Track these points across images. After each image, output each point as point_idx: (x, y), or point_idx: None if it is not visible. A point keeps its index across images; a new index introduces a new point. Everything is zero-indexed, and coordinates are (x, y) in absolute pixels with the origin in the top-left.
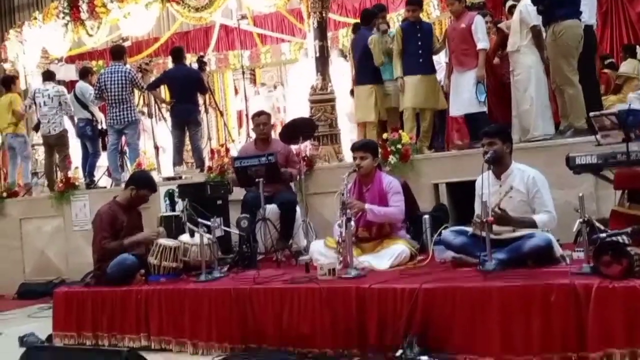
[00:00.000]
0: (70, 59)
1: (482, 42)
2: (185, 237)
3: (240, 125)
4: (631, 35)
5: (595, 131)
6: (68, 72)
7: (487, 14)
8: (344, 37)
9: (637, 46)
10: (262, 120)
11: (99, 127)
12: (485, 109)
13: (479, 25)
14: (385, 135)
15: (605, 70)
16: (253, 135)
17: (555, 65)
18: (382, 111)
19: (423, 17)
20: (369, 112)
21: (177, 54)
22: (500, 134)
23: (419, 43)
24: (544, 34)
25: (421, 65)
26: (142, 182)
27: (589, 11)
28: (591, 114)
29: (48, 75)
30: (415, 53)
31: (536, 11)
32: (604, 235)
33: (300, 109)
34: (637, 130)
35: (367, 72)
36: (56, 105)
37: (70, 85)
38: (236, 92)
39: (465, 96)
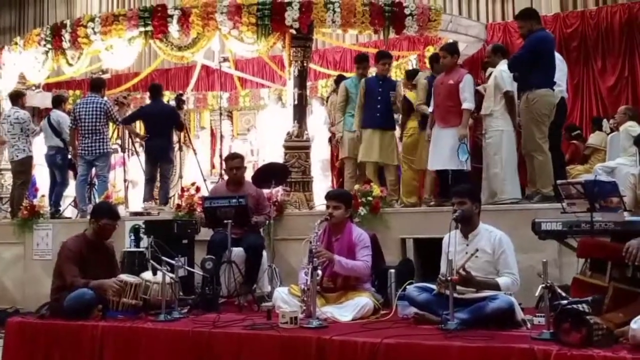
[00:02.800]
0: (47, 87)
1: (468, 102)
2: (147, 275)
3: (212, 167)
4: (600, 108)
5: (562, 199)
6: (44, 100)
7: None
8: (322, 88)
9: (604, 120)
10: (235, 164)
11: (69, 156)
12: (465, 168)
13: (467, 85)
14: (356, 187)
15: (574, 141)
16: (226, 175)
17: (527, 131)
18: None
19: (401, 75)
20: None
21: (155, 91)
22: (470, 194)
23: (379, 98)
24: (516, 101)
25: (378, 119)
26: (101, 212)
27: (562, 83)
28: (558, 182)
29: (14, 99)
30: (374, 107)
31: (512, 77)
32: (565, 302)
33: (267, 153)
34: (601, 201)
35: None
36: (18, 132)
37: (45, 112)
38: (212, 134)
39: (445, 152)
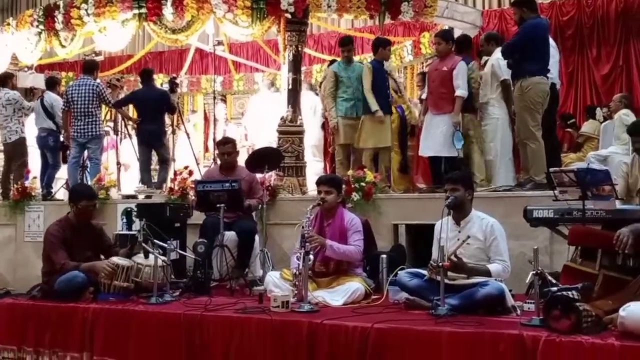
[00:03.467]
0: (40, 68)
1: (461, 89)
2: (139, 258)
3: (206, 150)
4: (594, 96)
5: (554, 186)
6: (36, 81)
7: None
8: (317, 72)
9: (598, 108)
10: (227, 149)
11: (61, 139)
12: (457, 154)
13: (461, 72)
14: (350, 172)
15: (569, 129)
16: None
17: (521, 119)
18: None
19: (396, 61)
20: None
21: (147, 75)
22: (463, 180)
23: (387, 83)
24: (511, 88)
25: (389, 105)
26: (78, 195)
27: (553, 70)
28: (551, 169)
29: (3, 81)
30: (384, 93)
31: (506, 65)
32: (555, 289)
33: (260, 138)
34: (594, 189)
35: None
36: (10, 113)
37: (36, 92)
38: (205, 117)
39: (438, 138)
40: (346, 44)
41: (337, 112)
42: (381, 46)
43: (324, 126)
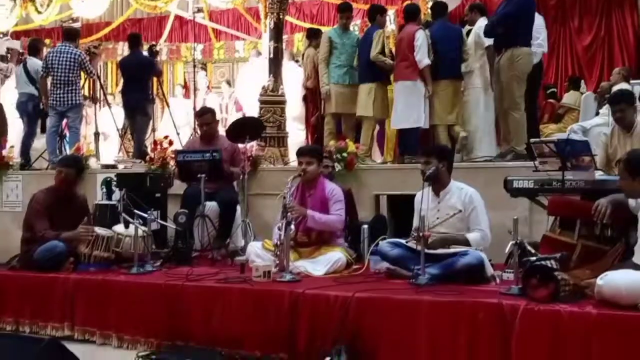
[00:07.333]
0: (16, 35)
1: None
2: (119, 228)
3: None
4: (576, 67)
5: (534, 157)
6: (12, 47)
7: None
8: (299, 42)
9: (582, 80)
10: (206, 119)
11: (41, 106)
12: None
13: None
14: (332, 143)
15: (550, 100)
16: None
17: (508, 88)
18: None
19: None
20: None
21: (135, 41)
22: (436, 153)
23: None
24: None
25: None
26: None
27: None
28: (531, 140)
29: None
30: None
31: (489, 36)
32: (533, 258)
33: (252, 107)
34: (573, 160)
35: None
36: None
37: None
38: (185, 86)
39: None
40: (345, 10)
41: (330, 78)
42: (378, 13)
43: (305, 98)
